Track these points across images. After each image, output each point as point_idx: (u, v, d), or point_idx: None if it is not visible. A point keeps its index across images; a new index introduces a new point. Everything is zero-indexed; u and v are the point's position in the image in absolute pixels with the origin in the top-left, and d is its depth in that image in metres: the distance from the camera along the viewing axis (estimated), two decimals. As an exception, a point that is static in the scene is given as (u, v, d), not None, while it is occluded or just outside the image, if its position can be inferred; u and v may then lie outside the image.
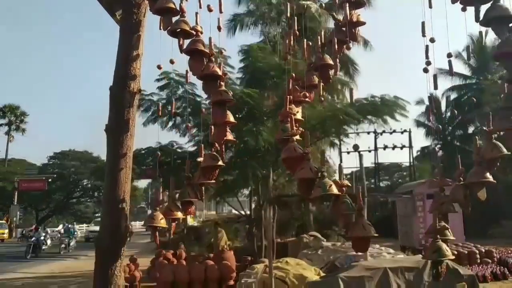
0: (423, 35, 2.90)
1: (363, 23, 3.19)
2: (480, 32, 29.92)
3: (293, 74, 3.38)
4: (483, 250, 13.99)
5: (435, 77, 2.89)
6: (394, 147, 30.19)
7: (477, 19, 2.72)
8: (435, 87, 2.86)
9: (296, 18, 3.80)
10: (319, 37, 3.22)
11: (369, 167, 34.58)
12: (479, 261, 13.25)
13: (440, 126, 30.82)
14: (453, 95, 30.27)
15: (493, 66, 28.61)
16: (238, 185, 17.68)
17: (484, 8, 2.70)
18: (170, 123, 17.88)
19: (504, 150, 2.88)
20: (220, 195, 20.94)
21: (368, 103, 19.08)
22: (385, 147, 30.54)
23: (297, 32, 3.08)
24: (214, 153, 3.41)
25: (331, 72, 3.12)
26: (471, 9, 2.85)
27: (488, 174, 2.90)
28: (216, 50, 3.49)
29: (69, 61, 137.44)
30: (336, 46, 3.01)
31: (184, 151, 17.95)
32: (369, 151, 31.10)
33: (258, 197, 19.10)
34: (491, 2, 2.68)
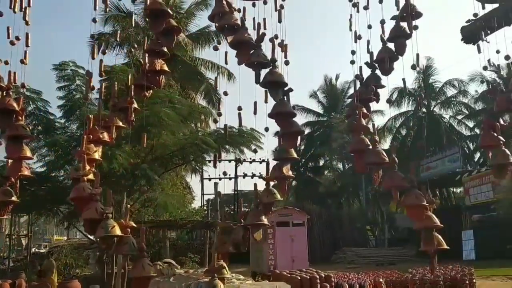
0: (225, 94, 3.22)
1: (168, 72, 3.42)
2: (337, 75, 33.02)
3: (91, 116, 3.47)
4: (323, 275, 15.06)
5: (225, 130, 3.21)
6: (253, 176, 31.49)
7: (257, 81, 3.11)
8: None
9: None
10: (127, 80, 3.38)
11: (230, 194, 35.50)
12: (319, 286, 14.19)
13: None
14: (307, 130, 32.81)
15: (340, 106, 31.77)
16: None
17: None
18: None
19: (278, 196, 3.27)
20: (69, 219, 19.75)
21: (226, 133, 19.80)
22: (245, 175, 31.72)
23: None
24: (8, 188, 3.30)
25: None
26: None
27: (263, 217, 3.24)
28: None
29: None
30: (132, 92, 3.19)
31: (32, 171, 16.67)
32: (230, 178, 31.99)
33: (112, 223, 18.45)
34: (269, 68, 3.10)
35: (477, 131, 27.93)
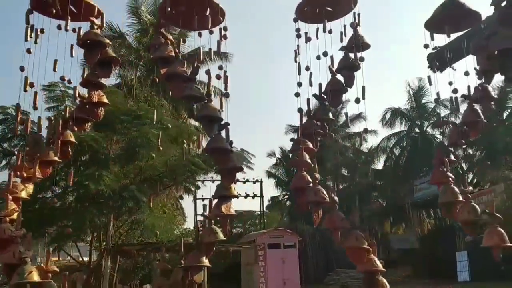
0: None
1: (107, 104, 3.31)
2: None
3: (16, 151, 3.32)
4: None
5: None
6: (246, 196, 31.23)
7: (190, 115, 3.00)
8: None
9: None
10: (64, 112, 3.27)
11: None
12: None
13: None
14: (301, 150, 32.60)
15: (333, 126, 31.75)
16: (73, 232, 16.71)
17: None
18: (4, 162, 16.49)
19: (221, 235, 3.12)
20: (57, 242, 19.53)
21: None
22: (238, 196, 31.48)
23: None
24: None
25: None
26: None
27: (204, 259, 3.08)
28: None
29: None
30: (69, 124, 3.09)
31: (18, 192, 16.63)
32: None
33: (100, 244, 18.31)
34: (204, 102, 2.99)
35: (470, 151, 27.80)
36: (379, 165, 31.55)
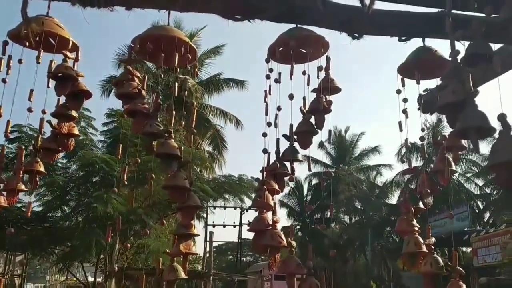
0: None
1: (77, 135, 3.35)
2: (347, 127, 33.18)
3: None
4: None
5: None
6: (258, 224, 31.08)
7: (149, 151, 3.01)
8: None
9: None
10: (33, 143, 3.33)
11: (234, 242, 35.02)
12: None
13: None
14: (315, 181, 32.39)
15: (348, 158, 31.53)
16: (78, 253, 16.79)
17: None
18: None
19: (182, 274, 3.09)
20: (64, 261, 19.65)
21: (226, 181, 19.68)
22: (249, 223, 31.28)
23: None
24: None
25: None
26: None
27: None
28: None
29: None
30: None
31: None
32: (234, 226, 31.63)
33: (106, 267, 18.33)
34: (164, 139, 3.01)
35: (487, 190, 27.17)
36: (393, 199, 31.07)
